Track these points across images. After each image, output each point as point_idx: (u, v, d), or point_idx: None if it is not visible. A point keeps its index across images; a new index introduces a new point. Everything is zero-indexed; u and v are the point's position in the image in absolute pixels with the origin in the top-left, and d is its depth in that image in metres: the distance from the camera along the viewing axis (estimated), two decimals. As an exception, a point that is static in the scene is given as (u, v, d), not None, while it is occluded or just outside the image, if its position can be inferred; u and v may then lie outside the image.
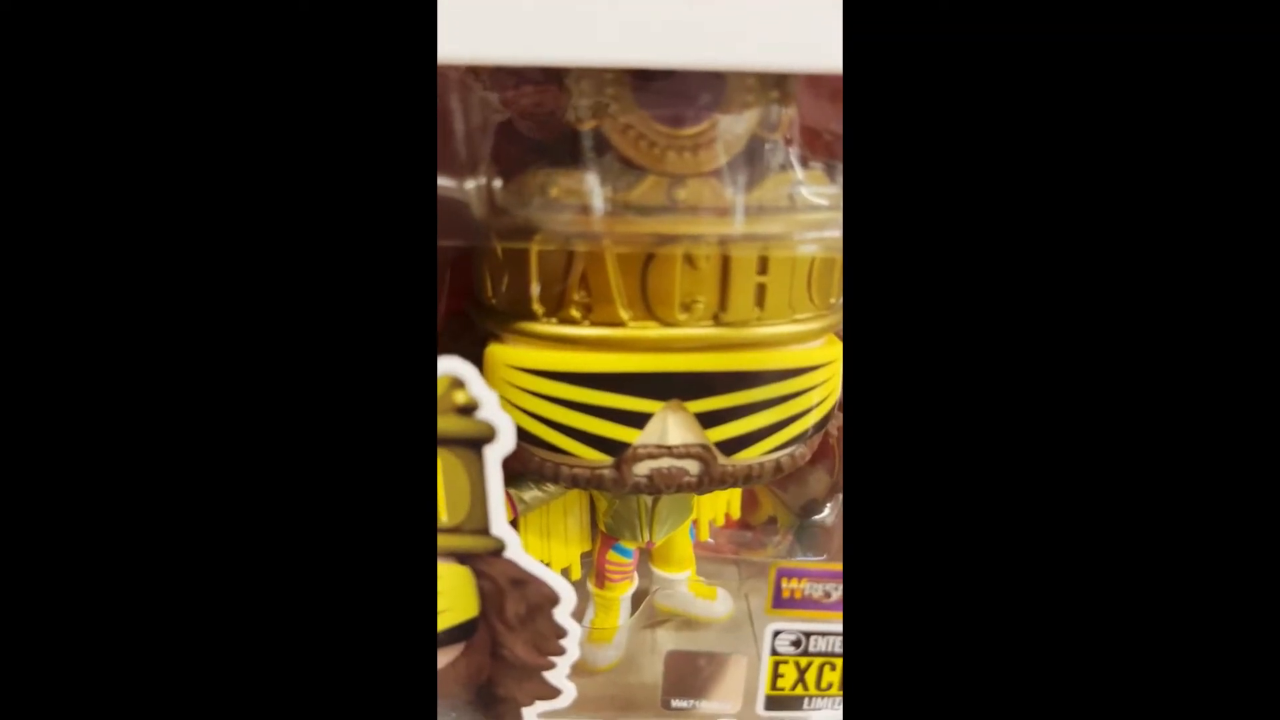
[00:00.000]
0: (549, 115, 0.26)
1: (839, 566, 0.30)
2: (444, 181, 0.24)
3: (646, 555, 0.39)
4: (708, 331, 0.26)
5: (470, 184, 0.25)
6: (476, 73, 0.24)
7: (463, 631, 0.29)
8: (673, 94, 0.24)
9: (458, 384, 0.23)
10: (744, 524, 0.42)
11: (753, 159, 0.25)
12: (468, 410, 0.24)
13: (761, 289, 0.26)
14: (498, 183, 0.25)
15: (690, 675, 0.34)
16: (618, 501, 0.34)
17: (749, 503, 0.42)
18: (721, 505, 0.40)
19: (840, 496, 0.39)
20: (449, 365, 0.23)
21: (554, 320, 0.27)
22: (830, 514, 0.40)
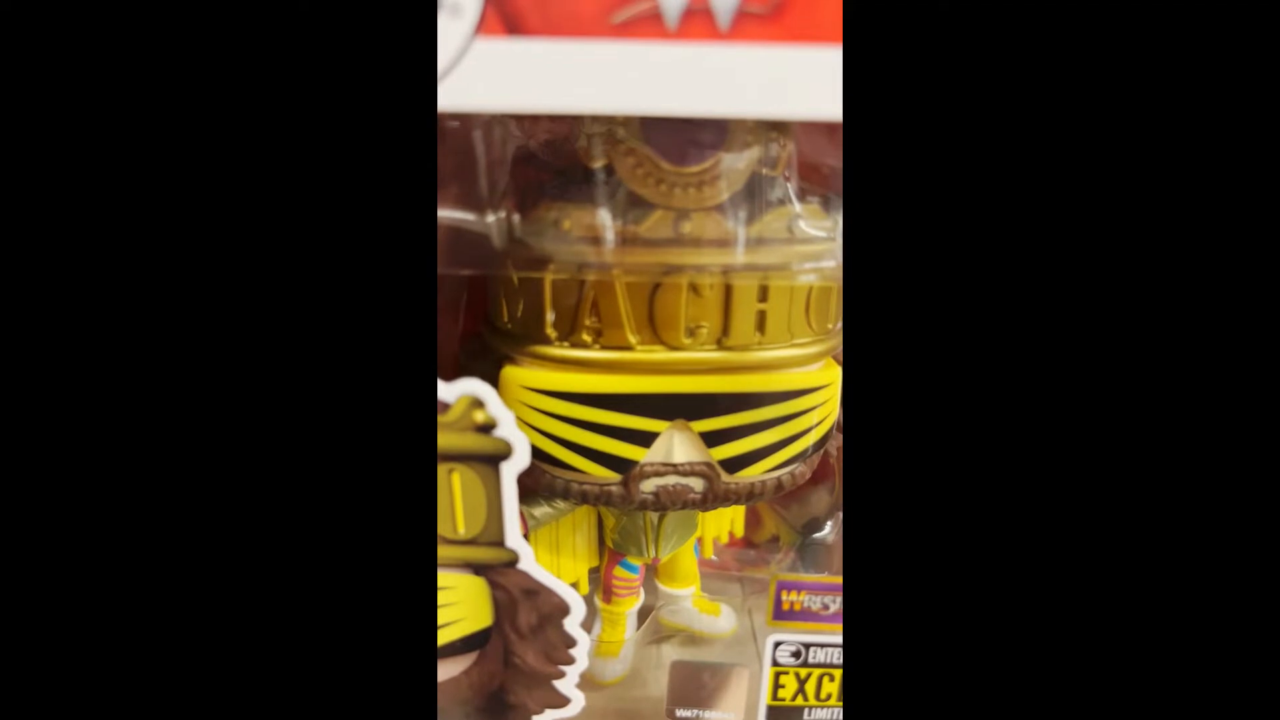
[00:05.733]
0: (564, 142, 0.27)
1: (838, 580, 0.31)
2: (466, 214, 0.26)
3: (652, 571, 0.40)
4: (711, 355, 0.27)
5: (490, 217, 0.26)
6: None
7: (477, 640, 0.30)
8: (678, 134, 0.25)
9: (477, 403, 0.24)
10: (747, 541, 0.43)
11: (753, 194, 0.26)
12: (486, 428, 0.25)
13: (762, 315, 0.27)
14: (516, 216, 0.26)
15: (694, 686, 0.34)
16: (625, 518, 0.35)
17: (752, 521, 0.42)
18: (725, 523, 0.41)
19: (840, 514, 0.40)
20: (469, 386, 0.24)
21: (566, 344, 0.28)
22: (831, 532, 0.41)
